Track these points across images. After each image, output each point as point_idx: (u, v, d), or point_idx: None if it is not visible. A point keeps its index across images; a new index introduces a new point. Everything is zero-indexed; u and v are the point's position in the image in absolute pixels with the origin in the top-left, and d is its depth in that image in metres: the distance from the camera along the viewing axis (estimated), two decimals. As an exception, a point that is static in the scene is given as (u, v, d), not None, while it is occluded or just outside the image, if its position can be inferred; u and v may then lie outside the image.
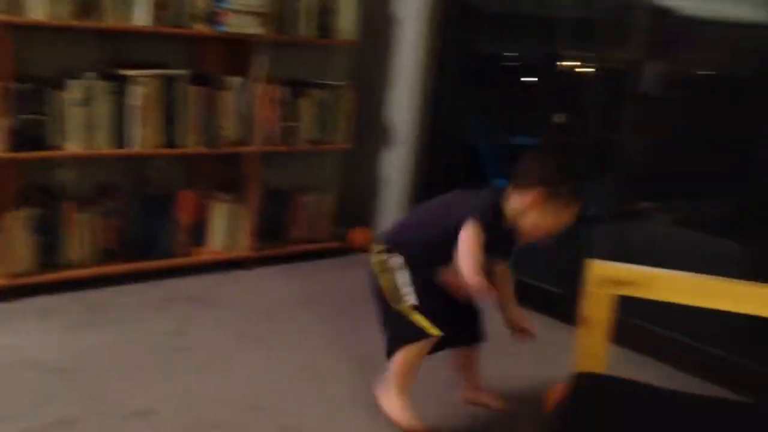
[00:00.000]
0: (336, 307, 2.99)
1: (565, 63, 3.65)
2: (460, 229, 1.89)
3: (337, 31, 3.46)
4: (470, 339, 2.17)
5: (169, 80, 3.01)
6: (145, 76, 2.94)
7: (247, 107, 3.22)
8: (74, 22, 2.77)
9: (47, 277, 2.85)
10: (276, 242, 3.51)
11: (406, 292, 1.99)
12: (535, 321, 2.17)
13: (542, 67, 3.82)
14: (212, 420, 2.06)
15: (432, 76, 3.61)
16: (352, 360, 2.50)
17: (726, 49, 2.99)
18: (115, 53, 3.08)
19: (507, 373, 2.45)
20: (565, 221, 1.93)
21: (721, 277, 1.59)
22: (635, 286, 1.64)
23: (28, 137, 2.75)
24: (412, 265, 2.02)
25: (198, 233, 3.23)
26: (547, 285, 3.10)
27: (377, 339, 2.10)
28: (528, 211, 1.91)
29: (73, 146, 2.83)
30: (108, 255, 3.05)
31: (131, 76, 2.91)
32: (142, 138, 2.96)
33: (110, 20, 2.83)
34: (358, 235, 3.74)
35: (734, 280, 1.57)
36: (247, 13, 3.11)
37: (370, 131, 3.76)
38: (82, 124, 2.83)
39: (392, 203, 3.72)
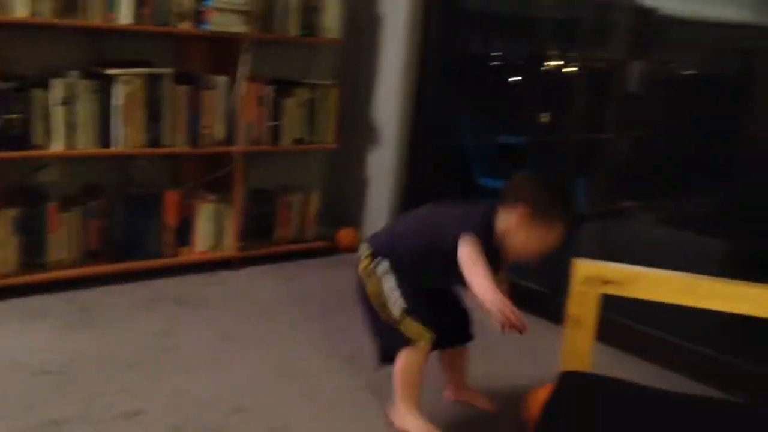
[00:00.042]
0: (322, 307, 2.99)
1: (550, 63, 3.67)
2: (450, 242, 1.89)
3: (323, 29, 3.45)
4: (459, 339, 2.18)
5: (153, 79, 2.99)
6: (129, 75, 2.93)
7: (232, 106, 3.21)
8: (58, 21, 2.75)
9: (32, 278, 2.83)
10: (262, 242, 3.50)
11: (394, 298, 1.99)
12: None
13: (527, 67, 3.84)
14: (200, 420, 2.05)
15: (418, 75, 3.61)
16: (340, 360, 2.50)
17: (709, 48, 3.02)
18: (99, 52, 3.06)
19: (494, 372, 2.46)
20: (552, 242, 1.93)
21: (705, 276, 1.60)
22: (621, 284, 1.66)
23: (12, 137, 2.73)
24: (398, 270, 2.01)
25: (183, 233, 3.22)
26: (533, 284, 3.11)
27: (364, 339, 2.10)
28: (515, 230, 1.92)
29: (56, 146, 2.82)
30: (93, 255, 3.03)
31: (115, 75, 2.89)
32: (126, 137, 2.95)
33: (94, 19, 2.81)
34: (344, 235, 3.74)
35: (719, 279, 1.59)
36: (231, 11, 3.10)
37: (356, 130, 3.76)
38: (66, 123, 2.81)
39: (378, 203, 3.73)
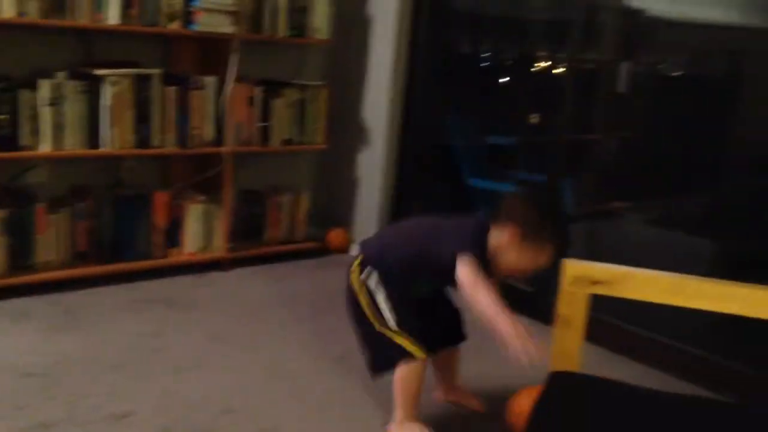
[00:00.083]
0: (312, 308, 2.98)
1: (539, 64, 3.69)
2: (447, 259, 1.89)
3: (312, 30, 3.45)
4: (452, 340, 2.18)
5: (141, 80, 2.98)
6: (118, 76, 2.91)
7: (221, 107, 3.20)
8: (45, 21, 2.73)
9: (19, 279, 2.82)
10: (252, 243, 3.50)
11: (388, 315, 1.97)
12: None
13: (517, 68, 3.85)
14: (189, 422, 2.05)
15: (407, 75, 3.61)
16: (330, 361, 2.50)
17: (697, 49, 3.04)
18: (87, 52, 3.05)
19: (484, 372, 2.46)
20: (541, 263, 1.93)
21: (694, 276, 1.61)
22: (610, 285, 1.66)
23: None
24: (386, 282, 2.00)
25: (173, 234, 3.20)
26: (522, 284, 3.12)
27: (354, 340, 2.10)
28: (505, 248, 1.92)
29: (44, 147, 2.80)
30: (81, 257, 3.02)
31: (103, 76, 2.88)
32: (114, 138, 2.94)
33: (82, 19, 2.80)
34: (335, 236, 3.74)
35: (707, 279, 1.60)
36: (219, 12, 3.09)
37: (346, 131, 3.76)
38: (54, 124, 2.80)
39: (369, 203, 3.73)
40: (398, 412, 2.02)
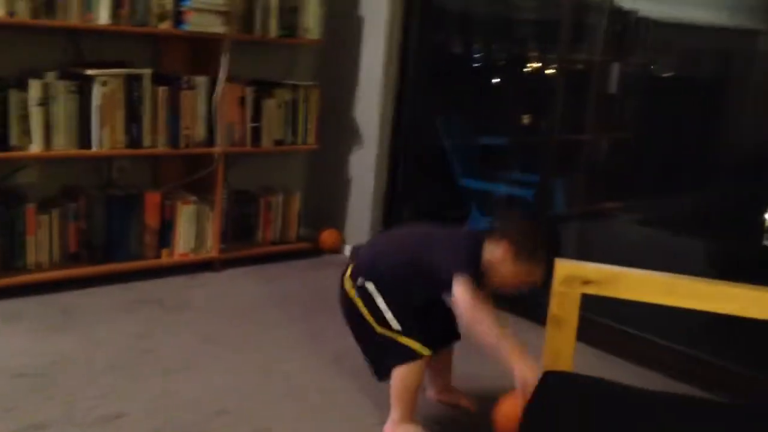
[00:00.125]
0: (305, 308, 2.99)
1: (531, 64, 3.70)
2: (444, 276, 1.90)
3: (303, 30, 3.45)
4: (448, 339, 2.19)
5: (132, 80, 2.97)
6: (108, 76, 2.90)
7: (212, 107, 3.20)
8: (35, 21, 2.72)
9: (11, 280, 2.80)
10: (244, 244, 3.50)
11: (389, 316, 1.97)
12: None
13: (508, 68, 3.86)
14: (182, 423, 2.04)
15: (399, 76, 3.62)
16: (323, 361, 2.50)
17: (687, 50, 3.05)
18: (77, 52, 3.04)
19: (477, 372, 2.46)
20: (533, 280, 1.96)
21: (686, 276, 1.62)
22: (601, 284, 1.67)
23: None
24: (383, 291, 1.99)
25: (164, 235, 3.20)
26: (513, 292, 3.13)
27: (347, 340, 2.10)
28: (498, 264, 1.94)
29: (35, 147, 2.79)
30: (72, 257, 3.01)
31: (94, 76, 2.87)
32: (105, 138, 2.93)
33: (72, 19, 2.79)
34: (327, 236, 3.74)
35: (699, 279, 1.61)
36: (210, 11, 3.09)
37: (337, 131, 3.76)
38: (44, 124, 2.79)
39: (361, 204, 3.73)
40: (395, 412, 2.02)
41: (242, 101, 3.31)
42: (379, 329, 1.98)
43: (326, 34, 3.55)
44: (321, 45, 3.60)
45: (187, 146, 3.16)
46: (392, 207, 3.73)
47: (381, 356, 2.03)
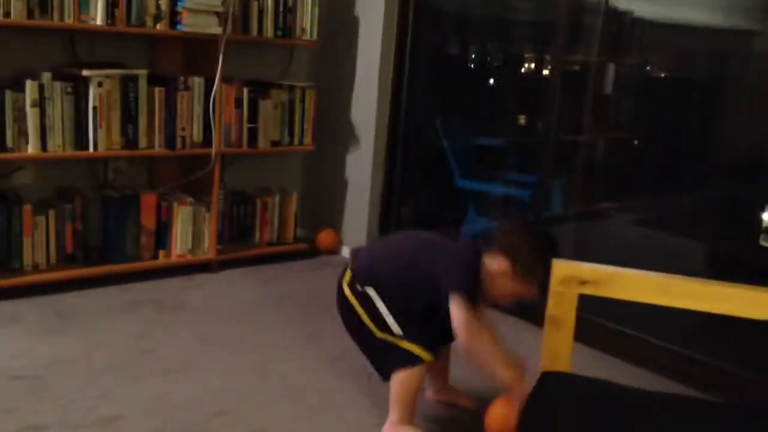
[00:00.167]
0: (303, 310, 2.99)
1: (526, 65, 3.70)
2: (442, 292, 1.92)
3: (299, 30, 3.45)
4: (447, 338, 2.18)
5: (127, 80, 2.97)
6: (104, 76, 2.90)
7: (208, 108, 3.19)
8: (30, 22, 2.72)
9: (7, 282, 2.80)
10: (241, 245, 3.49)
11: (391, 321, 1.97)
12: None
13: (506, 69, 3.87)
14: (180, 424, 2.05)
15: (395, 76, 3.62)
16: (321, 362, 2.50)
17: (682, 51, 3.06)
18: (72, 53, 3.04)
19: (476, 372, 2.47)
20: (527, 295, 1.97)
21: (682, 276, 1.63)
22: (598, 285, 1.68)
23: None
24: (386, 297, 1.99)
25: (161, 236, 3.19)
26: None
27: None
28: (494, 276, 1.96)
29: (30, 148, 2.79)
30: (69, 259, 3.00)
31: (89, 77, 2.87)
32: (101, 139, 2.92)
33: (67, 19, 2.79)
34: (324, 237, 3.74)
35: (695, 279, 1.62)
36: (205, 12, 3.09)
37: (334, 132, 3.76)
38: (40, 125, 2.78)
39: (358, 204, 3.73)
40: (394, 414, 2.02)
41: (238, 102, 3.31)
42: (379, 334, 1.98)
43: (322, 35, 3.55)
44: (317, 46, 3.60)
45: (183, 147, 3.16)
46: (389, 207, 3.73)
47: (382, 360, 2.02)
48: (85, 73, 2.87)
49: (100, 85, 2.88)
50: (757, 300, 1.56)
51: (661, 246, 3.01)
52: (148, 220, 3.14)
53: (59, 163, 3.04)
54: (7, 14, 2.66)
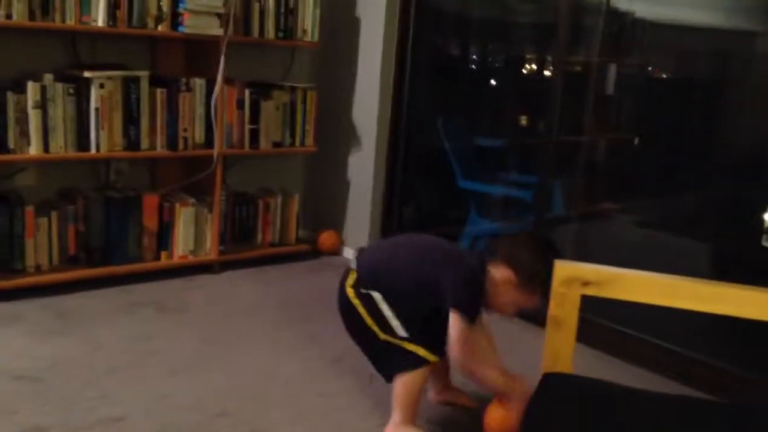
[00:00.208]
0: (304, 310, 2.99)
1: (528, 65, 3.70)
2: (445, 304, 1.92)
3: (300, 32, 3.45)
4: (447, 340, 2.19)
5: (129, 82, 2.97)
6: (105, 78, 2.90)
7: (210, 109, 3.20)
8: (32, 23, 2.72)
9: (10, 283, 2.80)
10: (243, 246, 3.49)
11: (395, 323, 1.96)
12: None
13: (507, 70, 3.87)
14: (182, 425, 2.05)
15: (396, 77, 3.62)
16: (323, 362, 2.50)
17: (684, 52, 3.06)
18: (74, 55, 3.04)
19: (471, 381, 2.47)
20: (529, 305, 1.98)
21: (685, 277, 1.63)
22: (600, 285, 1.68)
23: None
24: (391, 301, 1.97)
25: (163, 237, 3.19)
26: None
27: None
28: (497, 287, 1.96)
29: (32, 149, 2.79)
30: (71, 260, 3.01)
31: (91, 78, 2.87)
32: (103, 140, 2.93)
33: (69, 21, 2.79)
34: (326, 238, 3.74)
35: (698, 280, 1.62)
36: (207, 13, 3.09)
37: (336, 133, 3.76)
38: (42, 126, 2.79)
39: (360, 205, 3.73)
40: (397, 414, 2.01)
41: (240, 103, 3.31)
42: (383, 336, 1.97)
43: (324, 36, 3.56)
44: (318, 47, 3.60)
45: (185, 148, 3.16)
46: (391, 209, 3.73)
47: (385, 361, 2.02)
48: (86, 74, 2.87)
49: (101, 86, 2.89)
50: (760, 301, 1.56)
51: (662, 247, 3.01)
52: (150, 221, 3.14)
53: (61, 164, 3.04)
54: (8, 16, 2.67)
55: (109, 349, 2.48)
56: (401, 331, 1.95)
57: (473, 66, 4.05)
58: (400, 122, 3.67)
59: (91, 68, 2.90)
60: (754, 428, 1.51)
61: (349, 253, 3.68)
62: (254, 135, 3.38)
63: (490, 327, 2.21)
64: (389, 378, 2.02)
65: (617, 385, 1.65)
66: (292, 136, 3.52)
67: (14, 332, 2.56)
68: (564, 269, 1.69)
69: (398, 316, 1.96)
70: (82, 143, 2.90)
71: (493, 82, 3.97)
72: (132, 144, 3.01)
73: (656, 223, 3.10)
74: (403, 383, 1.98)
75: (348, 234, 3.78)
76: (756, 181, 2.68)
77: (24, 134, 2.77)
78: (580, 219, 3.27)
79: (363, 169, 3.69)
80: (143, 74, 3.02)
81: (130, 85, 2.97)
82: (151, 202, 3.14)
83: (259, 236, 3.55)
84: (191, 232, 3.26)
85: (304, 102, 3.52)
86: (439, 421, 2.19)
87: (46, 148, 2.81)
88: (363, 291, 2.00)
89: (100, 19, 2.85)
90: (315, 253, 3.71)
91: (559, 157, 3.11)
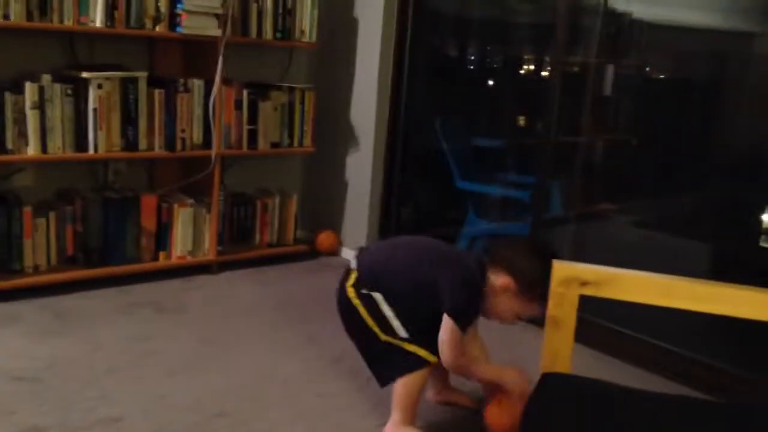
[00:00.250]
0: (302, 311, 2.99)
1: (526, 66, 3.71)
2: (442, 299, 1.92)
3: (298, 32, 3.45)
4: None
5: (127, 82, 2.97)
6: (103, 78, 2.90)
7: (208, 110, 3.20)
8: (30, 24, 2.72)
9: (8, 284, 2.80)
10: (241, 246, 3.49)
11: (396, 324, 1.96)
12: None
13: (505, 70, 3.87)
14: (180, 426, 2.05)
15: (395, 78, 3.62)
16: (322, 363, 2.50)
17: (682, 52, 3.07)
18: (72, 55, 3.04)
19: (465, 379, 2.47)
20: (528, 313, 1.98)
21: (683, 277, 1.63)
22: (599, 286, 1.68)
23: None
24: (392, 302, 1.97)
25: (161, 238, 3.19)
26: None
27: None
28: (496, 294, 1.96)
29: (30, 150, 2.79)
30: (69, 261, 3.01)
31: (89, 79, 2.87)
32: (101, 141, 2.93)
33: (67, 22, 2.79)
34: (324, 238, 3.75)
35: (696, 280, 1.62)
36: (205, 14, 3.09)
37: (334, 134, 3.76)
38: (40, 127, 2.79)
39: (358, 206, 3.73)
40: (396, 415, 2.02)
41: (238, 104, 3.32)
42: (383, 337, 1.96)
43: (322, 37, 3.56)
44: (316, 47, 3.60)
45: (183, 149, 3.16)
46: (389, 209, 3.73)
47: (385, 363, 2.01)
48: (84, 75, 2.87)
49: (99, 87, 2.89)
50: (758, 301, 1.56)
51: (660, 247, 3.02)
52: (149, 222, 3.14)
53: (59, 164, 3.04)
54: (6, 16, 2.66)
55: (108, 350, 2.48)
56: (402, 332, 1.95)
57: (471, 66, 4.05)
58: (398, 123, 3.67)
59: (89, 69, 2.90)
60: (753, 428, 1.52)
61: (347, 254, 3.69)
62: (252, 135, 3.38)
63: (480, 336, 2.22)
64: (384, 381, 2.02)
65: (616, 385, 1.65)
66: (290, 136, 3.52)
67: (12, 333, 2.55)
68: (562, 269, 1.69)
69: (400, 317, 1.96)
70: (80, 144, 2.90)
71: (490, 82, 3.98)
72: (130, 144, 3.01)
73: (654, 224, 3.11)
74: (403, 384, 1.98)
75: (346, 234, 3.78)
76: (753, 181, 2.68)
77: (22, 135, 2.77)
78: (578, 219, 3.28)
79: (361, 169, 3.69)
80: (141, 75, 3.02)
81: (128, 86, 2.97)
82: (149, 202, 3.14)
83: (258, 237, 3.55)
84: (189, 232, 3.26)
85: (302, 102, 3.53)
86: (438, 422, 2.19)
87: (44, 148, 2.81)
88: (364, 291, 1.99)
89: (98, 20, 2.85)
90: (313, 253, 3.71)
91: (557, 157, 3.12)
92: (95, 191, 3.12)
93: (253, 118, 3.37)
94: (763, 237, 2.67)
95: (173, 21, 3.03)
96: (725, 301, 1.58)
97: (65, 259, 3.00)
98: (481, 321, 2.08)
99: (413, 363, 1.96)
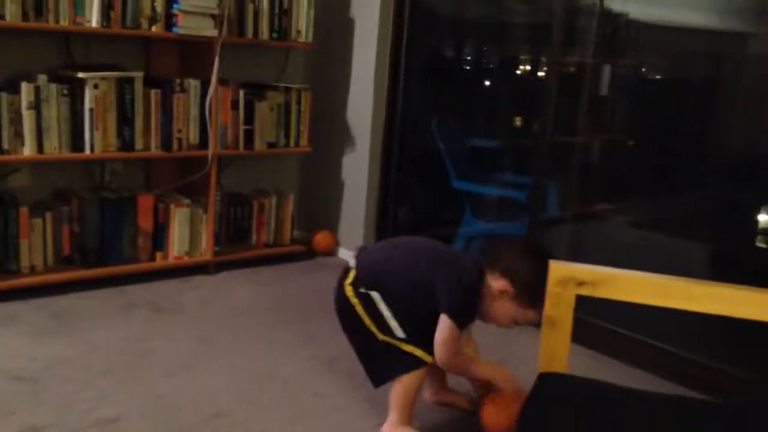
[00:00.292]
0: (299, 311, 2.99)
1: (522, 66, 3.71)
2: (438, 299, 1.93)
3: (294, 32, 3.45)
4: None
5: (123, 82, 2.97)
6: (99, 79, 2.90)
7: (204, 110, 3.19)
8: (26, 24, 2.72)
9: (5, 284, 2.80)
10: (238, 246, 3.49)
11: (394, 324, 1.95)
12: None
13: (502, 71, 3.88)
14: (178, 426, 2.04)
15: (391, 78, 3.63)
16: (319, 363, 2.51)
17: (678, 53, 3.07)
18: (67, 55, 3.03)
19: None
20: (527, 319, 1.98)
21: (680, 277, 1.64)
22: (595, 286, 1.68)
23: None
24: (391, 302, 1.97)
25: (158, 238, 3.19)
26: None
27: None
28: (494, 298, 1.96)
29: (27, 150, 2.78)
30: (66, 261, 3.00)
31: (85, 79, 2.87)
32: (97, 141, 2.92)
33: (63, 22, 2.79)
34: (321, 239, 3.75)
35: (693, 280, 1.62)
36: (200, 14, 3.09)
37: (330, 134, 3.76)
38: (36, 127, 2.78)
39: (354, 206, 3.73)
40: (393, 415, 2.02)
41: (234, 104, 3.31)
42: (381, 336, 1.96)
43: (318, 37, 3.56)
44: (313, 47, 3.60)
45: (179, 149, 3.16)
46: (386, 209, 3.74)
47: (382, 363, 2.01)
48: (80, 75, 2.86)
49: (96, 87, 2.88)
50: (755, 301, 1.57)
51: (657, 247, 3.02)
52: (145, 222, 3.14)
53: (55, 164, 3.03)
54: (2, 16, 2.66)
55: (105, 350, 2.48)
56: (400, 332, 1.95)
57: (467, 67, 4.05)
58: (394, 123, 3.67)
59: (85, 69, 2.90)
60: (749, 428, 1.52)
61: (344, 254, 3.69)
62: (249, 136, 3.38)
63: (474, 339, 2.23)
64: (379, 381, 2.02)
65: (613, 385, 1.66)
66: (287, 136, 3.52)
67: (9, 333, 2.55)
68: (559, 269, 1.69)
69: (397, 317, 1.96)
70: (77, 144, 2.90)
71: (487, 82, 3.98)
72: (126, 145, 3.01)
73: (650, 224, 3.11)
74: (400, 384, 1.98)
75: (342, 234, 3.78)
76: (750, 182, 2.69)
77: (18, 135, 2.76)
78: (574, 220, 3.28)
79: (357, 169, 3.69)
80: (137, 75, 3.01)
81: (124, 86, 2.97)
82: (145, 202, 3.14)
83: (254, 237, 3.55)
84: (186, 232, 3.26)
85: (299, 103, 3.53)
86: (435, 422, 2.19)
87: (40, 148, 2.81)
88: (362, 290, 2.00)
89: (93, 20, 2.85)
90: (310, 253, 3.71)
91: (553, 157, 3.12)
92: (92, 191, 3.11)
93: (249, 119, 3.37)
94: (759, 237, 2.68)
95: (169, 21, 3.03)
96: (722, 301, 1.59)
97: (62, 259, 3.00)
98: (477, 323, 2.08)
99: (410, 363, 1.96)
